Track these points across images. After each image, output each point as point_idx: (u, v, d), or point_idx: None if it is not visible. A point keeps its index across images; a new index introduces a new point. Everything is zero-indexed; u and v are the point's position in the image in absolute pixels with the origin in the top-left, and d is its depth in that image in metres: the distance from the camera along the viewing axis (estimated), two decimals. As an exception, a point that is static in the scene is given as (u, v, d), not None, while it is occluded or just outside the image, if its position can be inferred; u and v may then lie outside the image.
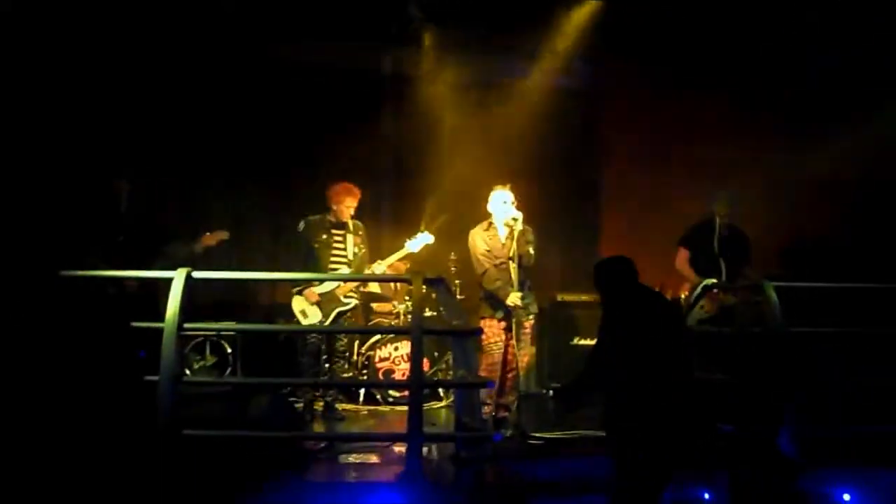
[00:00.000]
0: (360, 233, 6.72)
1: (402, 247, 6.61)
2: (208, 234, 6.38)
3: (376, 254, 6.78)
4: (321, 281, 6.53)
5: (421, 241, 6.62)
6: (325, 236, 6.57)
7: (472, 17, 7.66)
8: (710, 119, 8.25)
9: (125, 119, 7.35)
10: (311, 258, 6.49)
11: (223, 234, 6.44)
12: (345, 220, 6.62)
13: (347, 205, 6.56)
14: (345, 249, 6.61)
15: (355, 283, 6.64)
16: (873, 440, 5.12)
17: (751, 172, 7.65)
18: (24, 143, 5.88)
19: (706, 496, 4.65)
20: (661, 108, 8.21)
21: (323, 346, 6.65)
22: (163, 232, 6.42)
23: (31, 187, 5.77)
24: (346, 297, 6.57)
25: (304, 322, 6.51)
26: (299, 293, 6.54)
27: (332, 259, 6.56)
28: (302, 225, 6.63)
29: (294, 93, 8.15)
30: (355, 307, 6.72)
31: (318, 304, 6.51)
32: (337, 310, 6.55)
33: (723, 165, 7.78)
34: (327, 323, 6.51)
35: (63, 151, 6.51)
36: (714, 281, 6.39)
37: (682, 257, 6.71)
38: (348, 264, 6.57)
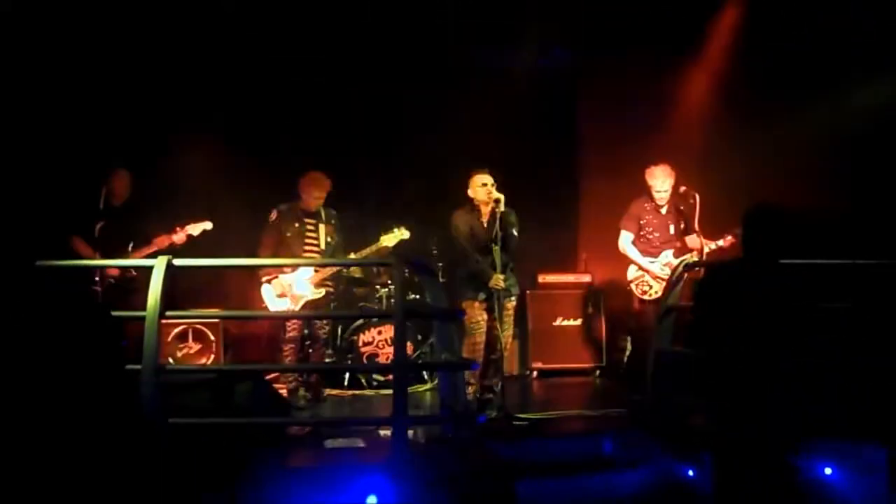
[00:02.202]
0: (333, 222, 6.68)
1: (378, 240, 6.62)
2: (192, 223, 6.34)
3: (361, 239, 6.76)
4: (294, 267, 6.49)
5: (396, 235, 6.65)
6: (296, 225, 6.53)
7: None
8: (689, 100, 8.27)
9: (111, 108, 7.28)
10: (283, 247, 6.46)
11: (206, 224, 6.40)
12: (315, 209, 6.58)
13: (315, 195, 6.50)
14: (317, 238, 6.57)
15: (325, 274, 6.59)
16: (854, 415, 5.19)
17: (729, 152, 7.69)
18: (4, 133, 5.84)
19: (690, 473, 4.71)
20: (639, 90, 8.21)
21: (305, 332, 6.63)
22: (146, 220, 6.39)
23: (8, 177, 5.72)
24: (316, 286, 6.54)
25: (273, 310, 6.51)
26: (268, 282, 6.52)
27: (305, 248, 6.52)
28: (274, 214, 6.59)
29: (274, 81, 8.08)
30: (326, 296, 6.66)
31: (287, 293, 6.48)
32: (306, 299, 6.52)
33: (701, 146, 7.80)
34: (297, 311, 6.50)
35: (42, 140, 6.46)
36: (694, 258, 6.43)
37: (625, 239, 6.73)
38: (320, 253, 6.53)
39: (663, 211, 6.67)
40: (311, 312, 6.61)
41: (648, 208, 6.69)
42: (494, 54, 8.30)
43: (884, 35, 7.18)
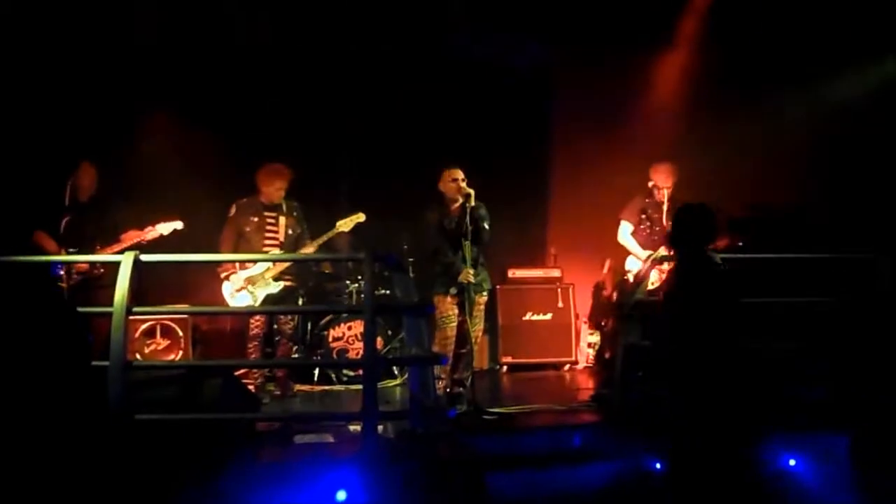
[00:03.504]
0: (295, 213, 6.63)
1: (334, 227, 6.57)
2: (162, 222, 6.28)
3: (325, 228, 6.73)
4: (255, 262, 6.44)
5: (353, 219, 6.59)
6: (256, 219, 6.47)
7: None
8: (660, 94, 8.34)
9: (75, 100, 7.20)
10: (243, 241, 6.42)
11: (177, 224, 6.34)
12: (276, 202, 6.54)
13: (277, 187, 6.46)
14: (277, 232, 6.52)
15: (283, 267, 6.53)
16: (816, 404, 5.28)
17: (702, 145, 7.76)
18: None
19: (658, 466, 4.76)
20: (611, 84, 8.26)
21: (274, 328, 6.60)
22: (114, 216, 6.32)
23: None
24: (275, 279, 6.49)
25: (233, 306, 6.47)
26: (227, 278, 6.47)
27: (265, 242, 6.47)
28: (233, 209, 6.54)
29: (249, 75, 8.03)
30: (285, 289, 6.58)
31: (245, 288, 6.44)
32: (265, 293, 6.48)
33: (673, 140, 7.87)
34: (256, 307, 6.46)
35: (4, 134, 6.37)
36: (663, 253, 6.49)
37: (625, 230, 6.79)
38: (280, 247, 6.49)
39: (664, 208, 6.71)
40: (280, 308, 6.58)
41: (650, 203, 6.74)
42: (466, 47, 8.31)
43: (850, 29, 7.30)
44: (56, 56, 7.03)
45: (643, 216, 6.75)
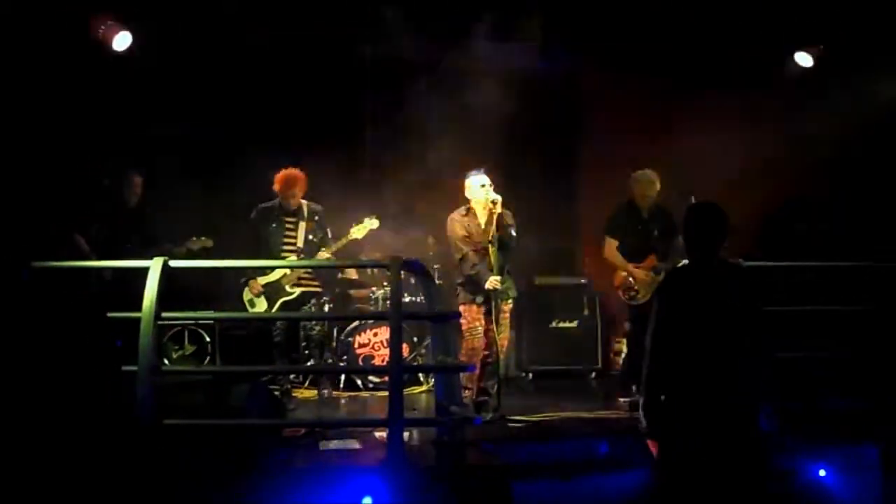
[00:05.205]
0: (316, 218, 6.65)
1: (348, 233, 6.59)
2: (195, 238, 6.34)
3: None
4: (273, 269, 6.49)
5: (366, 226, 6.60)
6: (274, 224, 6.52)
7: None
8: (690, 99, 8.27)
9: (114, 112, 7.29)
10: (263, 246, 6.46)
11: (208, 242, 6.39)
12: (295, 207, 6.57)
13: (294, 192, 6.50)
14: (295, 237, 6.56)
15: (300, 273, 6.56)
16: (846, 414, 5.21)
17: (730, 151, 7.68)
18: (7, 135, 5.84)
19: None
20: (640, 89, 8.22)
21: (301, 333, 6.63)
22: (152, 228, 6.40)
23: (17, 178, 5.72)
24: (291, 286, 6.51)
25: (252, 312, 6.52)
26: (245, 284, 6.52)
27: (283, 247, 6.51)
28: (254, 214, 6.59)
29: (273, 81, 8.07)
30: (303, 294, 6.60)
31: (264, 294, 6.48)
32: (282, 299, 6.50)
33: (703, 146, 7.80)
34: (273, 312, 6.51)
35: (43, 143, 6.46)
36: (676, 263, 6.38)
37: (611, 246, 6.65)
38: (297, 252, 6.51)
39: (645, 215, 6.61)
40: (307, 314, 6.62)
41: (631, 214, 6.64)
42: (495, 54, 8.30)
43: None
44: (98, 67, 7.12)
45: (626, 228, 6.60)
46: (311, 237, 6.58)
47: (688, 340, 3.58)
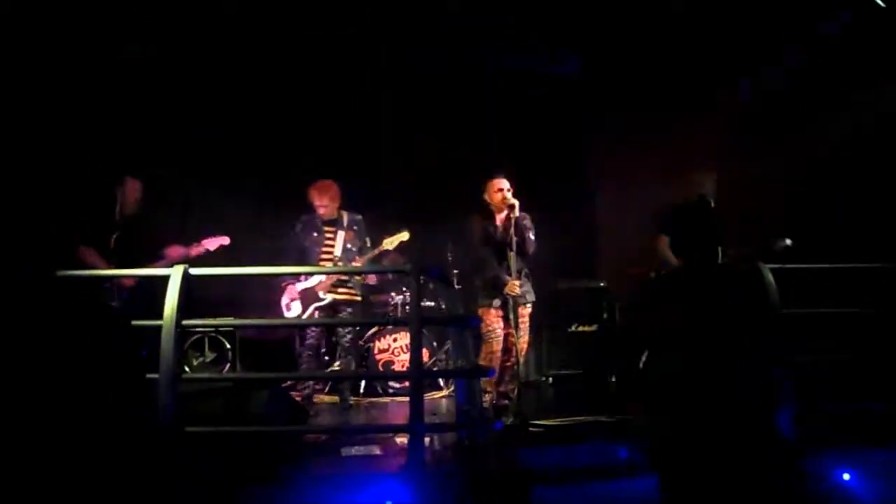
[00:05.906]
0: (355, 227, 6.70)
1: (380, 244, 6.64)
2: (210, 238, 6.36)
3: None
4: (310, 275, 6.57)
5: (398, 237, 6.65)
6: (315, 234, 6.58)
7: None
8: (702, 102, 8.24)
9: (126, 117, 7.34)
10: (304, 256, 6.52)
11: (224, 240, 6.41)
12: (332, 216, 6.62)
13: (326, 202, 6.56)
14: (333, 247, 6.61)
15: (333, 280, 6.60)
16: (872, 419, 5.16)
17: (741, 155, 7.65)
18: (18, 143, 5.87)
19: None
20: (652, 93, 8.19)
21: (332, 340, 6.69)
22: (162, 232, 6.42)
23: (28, 187, 5.76)
24: (323, 293, 6.57)
25: (287, 317, 6.56)
26: (284, 289, 6.64)
27: (321, 256, 6.56)
28: (298, 226, 6.66)
29: (289, 87, 8.12)
30: (335, 302, 6.62)
31: (299, 300, 6.56)
32: (313, 305, 6.56)
33: (717, 149, 7.77)
34: (304, 318, 6.56)
35: (59, 151, 6.51)
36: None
37: (664, 242, 6.60)
38: (333, 260, 6.56)
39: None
40: (322, 319, 6.64)
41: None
42: (512, 58, 8.31)
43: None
44: (105, 75, 7.18)
45: (684, 227, 6.59)
46: (349, 246, 6.63)
47: (688, 340, 3.58)
